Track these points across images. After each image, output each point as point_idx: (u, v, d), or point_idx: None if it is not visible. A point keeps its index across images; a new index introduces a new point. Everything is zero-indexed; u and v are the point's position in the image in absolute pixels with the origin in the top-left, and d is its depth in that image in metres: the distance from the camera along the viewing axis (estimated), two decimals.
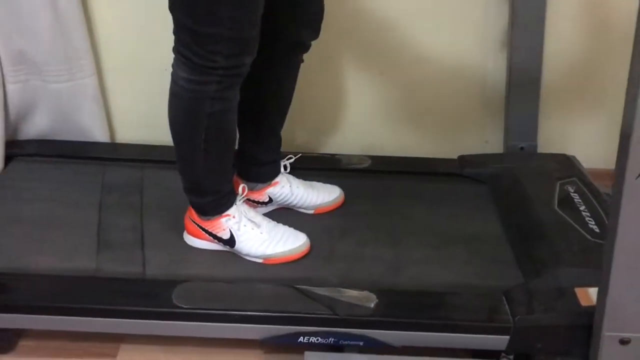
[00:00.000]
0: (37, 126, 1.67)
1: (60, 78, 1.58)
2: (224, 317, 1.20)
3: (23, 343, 1.28)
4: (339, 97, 1.75)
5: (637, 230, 1.00)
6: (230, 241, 1.32)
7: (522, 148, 1.70)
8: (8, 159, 1.61)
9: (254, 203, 1.44)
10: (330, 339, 1.20)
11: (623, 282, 1.06)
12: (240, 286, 1.25)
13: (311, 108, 1.74)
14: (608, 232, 1.05)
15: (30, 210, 1.44)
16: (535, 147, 1.72)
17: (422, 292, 1.26)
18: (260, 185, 1.45)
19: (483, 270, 1.33)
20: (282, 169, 1.48)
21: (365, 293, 1.23)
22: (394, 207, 1.53)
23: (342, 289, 1.24)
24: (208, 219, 1.32)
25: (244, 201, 1.35)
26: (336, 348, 1.21)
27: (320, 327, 1.19)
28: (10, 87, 1.57)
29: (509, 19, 1.59)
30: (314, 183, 1.52)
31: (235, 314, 1.20)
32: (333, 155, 1.73)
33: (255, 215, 1.35)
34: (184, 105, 1.20)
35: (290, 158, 1.51)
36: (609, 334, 1.11)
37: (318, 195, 1.48)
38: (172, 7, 1.12)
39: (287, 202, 1.47)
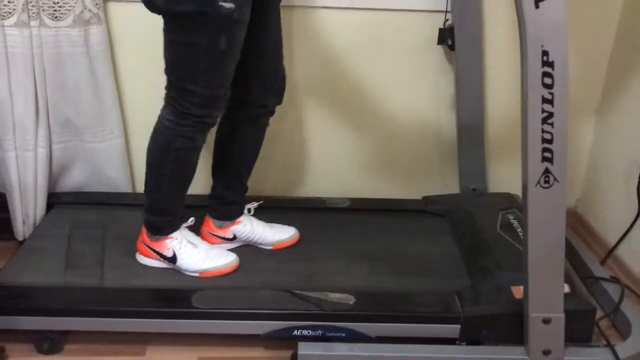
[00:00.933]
0: (74, 180, 2.01)
1: (96, 139, 1.93)
2: (233, 316, 1.50)
3: (68, 346, 1.57)
4: (322, 148, 2.09)
5: (542, 227, 1.34)
6: (173, 259, 1.62)
7: (474, 189, 2.06)
8: (49, 206, 1.95)
9: (220, 239, 1.75)
10: (319, 332, 1.50)
11: (538, 272, 1.39)
12: (246, 291, 1.56)
13: (300, 158, 2.09)
14: (524, 234, 1.39)
15: (67, 244, 1.75)
16: (485, 187, 2.08)
17: (392, 293, 1.58)
18: (226, 223, 1.75)
19: (441, 278, 1.65)
20: (245, 211, 1.78)
21: (345, 295, 1.55)
22: (370, 236, 1.86)
23: (327, 292, 1.56)
24: (156, 239, 1.62)
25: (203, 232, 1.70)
26: (324, 339, 1.50)
27: (310, 322, 1.49)
28: (54, 147, 1.92)
29: (455, 84, 1.98)
30: (273, 224, 1.80)
31: (242, 313, 1.50)
32: (319, 197, 2.07)
33: (195, 237, 1.66)
34: (161, 139, 1.54)
35: (254, 203, 1.81)
36: (534, 315, 1.43)
37: (276, 233, 1.78)
38: (166, 69, 1.49)
39: (249, 239, 1.76)
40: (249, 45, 1.52)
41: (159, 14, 1.43)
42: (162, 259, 1.64)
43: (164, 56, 1.48)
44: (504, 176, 2.11)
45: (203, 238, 1.73)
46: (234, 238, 1.76)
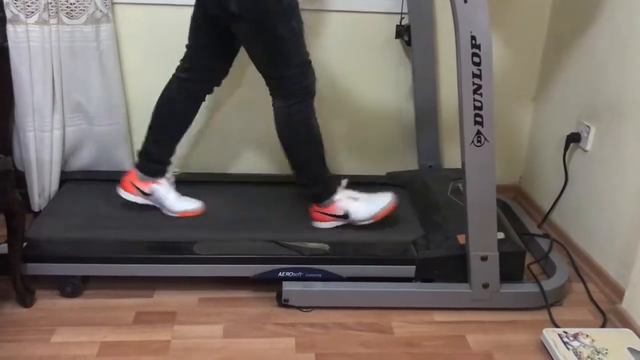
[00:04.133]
0: (83, 159, 2.28)
1: (103, 122, 2.22)
2: (227, 260, 1.80)
3: (87, 291, 1.85)
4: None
5: (477, 179, 1.68)
6: (346, 215, 1.91)
7: (430, 166, 2.40)
8: (62, 182, 2.22)
9: (137, 190, 1.97)
10: (299, 273, 1.81)
11: (476, 217, 1.72)
12: (238, 241, 1.86)
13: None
14: (463, 186, 1.72)
15: (80, 210, 2.03)
16: (440, 165, 2.42)
17: (360, 243, 1.90)
18: (147, 178, 1.97)
19: (400, 232, 1.97)
20: (167, 175, 2.00)
21: (321, 244, 1.87)
22: None
23: (306, 242, 1.87)
24: (325, 205, 1.90)
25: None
26: (303, 279, 1.81)
27: (292, 265, 1.80)
28: (67, 130, 2.20)
29: (412, 75, 2.32)
30: (183, 197, 2.02)
31: (235, 258, 1.80)
32: None
33: (352, 192, 1.94)
34: (293, 122, 1.83)
35: (177, 171, 2.06)
36: (474, 253, 1.76)
37: (183, 204, 2.00)
38: (261, 67, 1.79)
39: (159, 201, 1.99)
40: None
41: (234, 20, 1.71)
42: (337, 219, 1.93)
43: (255, 58, 1.78)
44: (456, 154, 2.41)
45: (124, 187, 1.99)
46: (149, 195, 1.99)
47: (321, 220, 1.95)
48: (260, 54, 1.79)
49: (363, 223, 1.94)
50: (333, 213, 1.93)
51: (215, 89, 1.99)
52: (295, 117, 1.84)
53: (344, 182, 1.98)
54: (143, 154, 2.00)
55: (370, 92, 2.39)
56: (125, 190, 2.00)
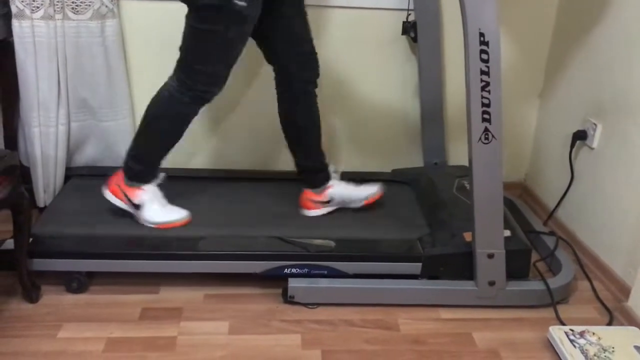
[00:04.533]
0: (87, 155, 2.28)
1: (108, 118, 2.22)
2: (233, 257, 1.80)
3: (92, 287, 1.85)
4: (327, 132, 2.32)
5: (484, 176, 1.67)
6: (138, 207, 1.88)
7: (435, 163, 2.39)
8: (67, 178, 2.22)
9: (318, 204, 2.02)
10: (305, 270, 1.80)
11: (483, 215, 1.72)
12: (244, 237, 1.86)
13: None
14: (470, 184, 1.72)
15: (85, 206, 2.03)
16: (445, 162, 2.41)
17: (366, 240, 1.90)
18: (319, 189, 2.01)
19: (406, 229, 1.96)
20: (332, 175, 2.03)
21: (327, 240, 1.86)
22: None
23: (312, 238, 1.86)
24: (131, 185, 1.87)
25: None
26: (309, 275, 1.81)
27: (298, 262, 1.80)
28: (72, 125, 2.19)
29: (418, 72, 2.31)
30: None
31: (241, 254, 1.80)
32: None
33: (160, 195, 1.90)
34: (163, 102, 1.79)
35: (333, 167, 2.06)
36: (480, 250, 1.76)
37: (363, 190, 2.04)
38: (181, 48, 1.76)
39: (342, 199, 2.02)
40: (277, 34, 1.84)
41: (186, 3, 1.70)
42: (128, 203, 1.89)
43: (183, 38, 1.76)
44: (461, 152, 2.44)
45: (304, 207, 2.02)
46: (331, 201, 2.02)
47: (114, 194, 1.91)
48: (188, 38, 1.74)
49: (147, 224, 1.90)
50: (130, 196, 1.89)
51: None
52: (166, 104, 1.80)
53: (163, 177, 1.93)
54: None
55: (376, 89, 2.38)
56: (114, 194, 1.93)
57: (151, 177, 1.91)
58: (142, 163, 1.89)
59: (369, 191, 2.05)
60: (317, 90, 1.95)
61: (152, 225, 1.90)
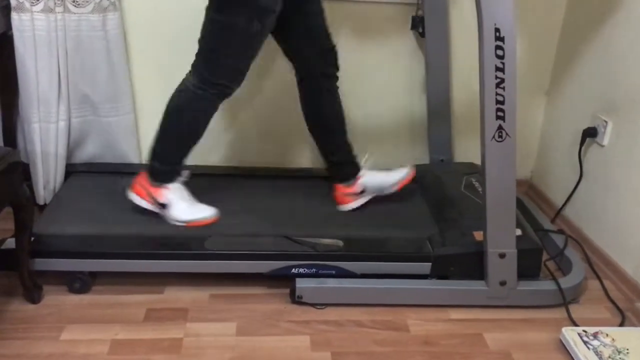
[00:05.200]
0: (88, 151, 2.24)
1: (109, 114, 2.17)
2: (240, 257, 1.76)
3: (96, 287, 1.81)
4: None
5: (497, 175, 1.64)
6: (164, 206, 1.85)
7: (442, 160, 2.36)
8: (67, 175, 2.17)
9: (353, 196, 1.99)
10: (313, 269, 1.77)
11: (494, 214, 1.69)
12: (251, 236, 1.82)
13: (290, 132, 2.36)
14: (482, 182, 1.69)
15: (86, 204, 1.99)
16: (452, 159, 2.38)
17: (375, 239, 1.86)
18: (350, 181, 1.99)
19: (415, 228, 1.93)
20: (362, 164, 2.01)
21: (335, 240, 1.83)
22: None
23: (320, 238, 1.83)
24: (156, 185, 1.84)
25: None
26: (317, 275, 1.77)
27: (306, 261, 1.77)
28: (73, 121, 2.15)
29: (425, 68, 2.28)
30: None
31: (248, 254, 1.76)
32: (306, 168, 2.36)
33: (186, 193, 1.88)
34: (183, 99, 1.76)
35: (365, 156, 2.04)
36: (491, 250, 1.73)
37: (391, 175, 2.01)
38: (201, 41, 1.72)
39: (374, 187, 1.99)
40: (298, 29, 1.81)
41: None
42: (154, 203, 1.87)
43: (203, 31, 1.71)
44: (468, 148, 2.41)
45: (340, 202, 1.99)
46: (364, 191, 1.99)
47: (139, 195, 1.88)
48: (208, 31, 1.71)
49: (175, 223, 1.86)
50: (156, 197, 1.85)
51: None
52: (186, 101, 1.77)
53: (187, 175, 1.91)
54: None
55: (381, 84, 2.34)
56: (137, 194, 1.90)
57: (175, 175, 1.88)
58: (165, 162, 1.86)
59: (399, 175, 2.01)
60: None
61: (182, 224, 1.86)
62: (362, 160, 2.04)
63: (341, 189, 2.01)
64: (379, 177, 2.02)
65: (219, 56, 1.72)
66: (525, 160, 2.52)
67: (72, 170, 2.20)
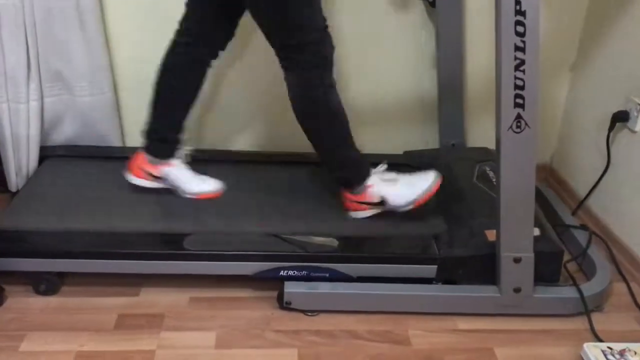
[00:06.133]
0: (64, 133, 2.05)
1: (85, 93, 1.97)
2: (223, 257, 1.58)
3: (65, 288, 1.64)
4: None
5: (514, 171, 1.43)
6: (383, 202, 1.68)
7: (453, 144, 2.14)
8: (42, 159, 1.99)
9: (149, 176, 1.76)
10: (304, 272, 1.58)
11: (510, 213, 1.48)
12: (235, 234, 1.64)
13: (282, 112, 2.15)
14: (497, 178, 1.48)
15: (60, 193, 1.81)
16: (464, 143, 2.16)
17: (374, 237, 1.67)
18: (158, 160, 1.76)
19: (420, 224, 1.73)
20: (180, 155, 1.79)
21: (329, 238, 1.64)
22: None
23: (312, 236, 1.64)
24: (358, 192, 1.68)
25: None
26: (308, 279, 1.59)
27: (296, 262, 1.58)
28: (46, 100, 1.95)
29: (436, 41, 2.04)
30: (200, 175, 1.81)
31: (232, 255, 1.58)
32: (305, 152, 2.08)
33: (389, 174, 1.71)
34: (315, 98, 1.58)
35: (189, 148, 1.84)
36: (505, 254, 1.53)
37: (200, 183, 1.80)
38: (275, 35, 1.53)
39: (174, 184, 1.78)
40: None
41: None
42: (373, 207, 1.70)
43: (263, 23, 1.52)
44: (483, 132, 2.19)
45: (133, 172, 1.79)
46: (161, 178, 1.79)
47: (355, 210, 1.72)
48: (269, 17, 1.51)
49: (404, 209, 1.69)
50: (367, 200, 1.69)
51: (222, 54, 1.73)
52: (312, 94, 1.58)
53: (381, 165, 1.73)
54: (149, 133, 1.76)
55: (387, 60, 2.11)
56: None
57: (367, 171, 1.70)
58: (350, 165, 1.70)
59: (204, 187, 1.82)
60: None
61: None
62: (183, 151, 1.83)
63: (143, 161, 1.78)
64: (186, 176, 1.80)
65: (306, 21, 1.52)
66: (545, 143, 2.28)
67: (47, 154, 2.01)
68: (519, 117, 1.35)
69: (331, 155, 1.70)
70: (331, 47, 1.58)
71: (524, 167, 1.42)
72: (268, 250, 1.59)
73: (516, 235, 1.50)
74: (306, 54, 1.54)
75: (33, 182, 1.89)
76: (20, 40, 1.82)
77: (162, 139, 1.77)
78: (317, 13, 1.53)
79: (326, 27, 1.57)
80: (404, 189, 1.69)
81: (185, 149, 1.83)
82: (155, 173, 1.77)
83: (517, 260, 1.52)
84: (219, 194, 1.81)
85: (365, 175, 1.69)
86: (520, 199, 1.45)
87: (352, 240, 1.65)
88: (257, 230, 1.66)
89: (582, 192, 2.07)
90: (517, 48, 1.29)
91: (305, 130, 1.64)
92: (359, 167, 1.70)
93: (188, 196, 1.79)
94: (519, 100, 1.34)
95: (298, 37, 1.52)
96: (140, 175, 1.78)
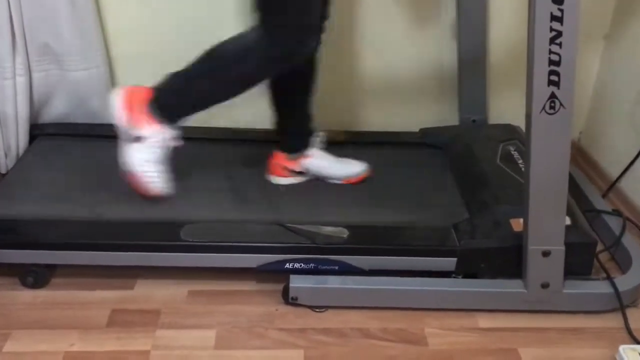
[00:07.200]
0: (56, 110, 1.92)
1: (77, 67, 1.83)
2: (223, 249, 1.46)
3: (54, 280, 1.53)
4: (341, 82, 2.00)
5: (546, 156, 1.28)
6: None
7: (474, 121, 1.98)
8: (32, 138, 1.87)
9: (290, 172, 1.70)
10: (311, 265, 1.46)
11: (539, 203, 1.34)
12: (236, 224, 1.51)
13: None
14: (525, 164, 1.33)
15: (50, 176, 1.69)
16: (486, 119, 1.99)
17: (387, 226, 1.53)
18: (295, 155, 1.69)
19: (438, 212, 1.59)
20: (315, 144, 1.72)
21: (339, 228, 1.50)
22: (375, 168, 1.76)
23: (320, 226, 1.50)
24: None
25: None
26: (316, 272, 1.46)
27: (303, 255, 1.45)
28: (35, 76, 1.82)
29: (456, 9, 1.87)
30: (341, 158, 1.75)
31: (232, 246, 1.46)
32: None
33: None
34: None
35: (320, 135, 1.74)
36: (533, 247, 1.38)
37: (344, 169, 1.73)
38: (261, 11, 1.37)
39: (319, 173, 1.72)
40: None
41: None
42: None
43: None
44: (506, 107, 2.02)
45: (272, 171, 1.72)
46: (304, 172, 1.72)
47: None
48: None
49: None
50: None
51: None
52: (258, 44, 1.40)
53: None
54: (279, 131, 1.71)
55: (404, 29, 1.94)
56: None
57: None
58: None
59: (352, 170, 1.73)
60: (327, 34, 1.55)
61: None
62: (317, 139, 1.73)
63: (281, 159, 1.70)
64: (328, 163, 1.72)
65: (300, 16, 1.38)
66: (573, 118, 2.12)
67: (38, 132, 1.89)
68: (553, 96, 1.20)
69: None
70: (307, 48, 1.43)
71: (558, 153, 1.26)
72: (272, 241, 1.46)
73: (546, 227, 1.35)
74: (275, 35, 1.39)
75: (21, 165, 1.77)
76: (2, 12, 1.67)
77: (293, 133, 1.71)
78: (308, 9, 1.38)
79: (315, 27, 1.43)
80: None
81: (318, 135, 1.73)
82: (297, 168, 1.70)
83: (546, 254, 1.38)
84: (364, 175, 1.72)
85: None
86: (552, 188, 1.30)
87: (364, 230, 1.51)
88: (260, 219, 1.53)
89: (614, 173, 1.91)
90: (553, 17, 1.12)
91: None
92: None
93: (336, 182, 1.72)
94: (554, 78, 1.18)
95: (273, 19, 1.37)
96: (284, 174, 1.71)
